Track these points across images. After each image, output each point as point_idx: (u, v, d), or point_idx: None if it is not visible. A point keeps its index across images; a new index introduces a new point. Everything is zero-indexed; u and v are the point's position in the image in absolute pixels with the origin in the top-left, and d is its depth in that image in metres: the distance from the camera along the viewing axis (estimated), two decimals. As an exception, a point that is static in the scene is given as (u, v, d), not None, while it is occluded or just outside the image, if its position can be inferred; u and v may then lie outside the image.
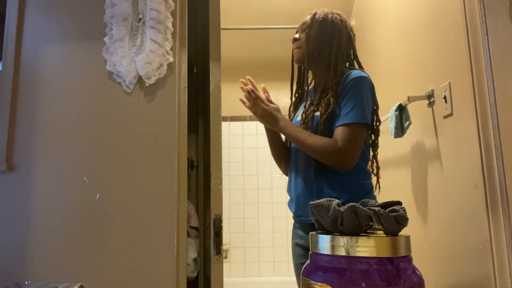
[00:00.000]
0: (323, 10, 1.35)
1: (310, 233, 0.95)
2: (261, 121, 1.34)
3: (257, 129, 3.11)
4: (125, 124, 1.16)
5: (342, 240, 0.85)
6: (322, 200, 0.95)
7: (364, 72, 1.29)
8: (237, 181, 3.03)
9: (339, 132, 1.20)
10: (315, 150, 1.21)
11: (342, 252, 0.84)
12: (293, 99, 1.48)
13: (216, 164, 1.29)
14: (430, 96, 1.47)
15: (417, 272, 0.86)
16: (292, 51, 1.40)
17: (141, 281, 1.08)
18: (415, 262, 0.93)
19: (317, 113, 1.27)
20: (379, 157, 1.38)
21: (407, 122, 1.58)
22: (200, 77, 2.06)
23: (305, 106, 1.33)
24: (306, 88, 1.41)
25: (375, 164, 1.34)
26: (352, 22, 2.61)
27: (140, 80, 1.17)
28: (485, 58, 1.13)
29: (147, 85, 1.17)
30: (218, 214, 1.26)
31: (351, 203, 0.89)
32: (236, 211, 3.00)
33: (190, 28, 1.32)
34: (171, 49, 1.18)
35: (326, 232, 0.93)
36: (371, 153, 1.35)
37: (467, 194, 1.21)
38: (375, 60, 2.18)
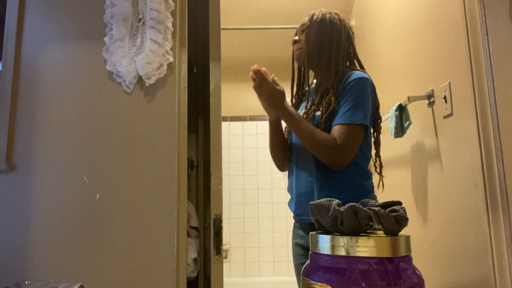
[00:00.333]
0: (321, 11, 1.35)
1: (310, 233, 0.95)
2: (265, 103, 1.27)
3: (257, 129, 3.11)
4: (125, 124, 1.16)
5: (342, 240, 0.85)
6: (322, 200, 0.95)
7: (366, 73, 1.29)
8: (237, 181, 3.03)
9: (336, 130, 1.20)
10: (316, 142, 1.20)
11: (342, 252, 0.84)
12: (293, 100, 1.48)
13: (216, 164, 1.29)
14: (430, 96, 1.47)
15: (417, 272, 0.86)
16: (293, 53, 1.40)
17: (141, 281, 1.08)
18: (415, 262, 0.93)
19: (318, 113, 1.27)
20: (379, 157, 1.38)
21: (407, 122, 1.58)
22: (200, 77, 2.06)
23: (306, 107, 1.33)
24: (307, 89, 1.41)
25: (378, 162, 1.34)
26: (352, 22, 2.60)
27: (140, 80, 1.17)
28: (485, 58, 1.13)
29: (147, 85, 1.17)
30: (218, 214, 1.26)
31: (351, 203, 0.89)
32: (236, 211, 3.00)
33: (190, 28, 1.32)
34: (171, 49, 1.18)
35: (326, 232, 0.93)
36: (374, 152, 1.35)
37: (467, 194, 1.21)
38: (375, 60, 2.18)
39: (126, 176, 1.13)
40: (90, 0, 1.22)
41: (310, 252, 0.94)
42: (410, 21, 1.69)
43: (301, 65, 1.40)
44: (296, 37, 1.37)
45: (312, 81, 1.47)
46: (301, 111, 1.38)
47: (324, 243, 0.88)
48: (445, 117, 1.36)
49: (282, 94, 1.25)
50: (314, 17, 1.34)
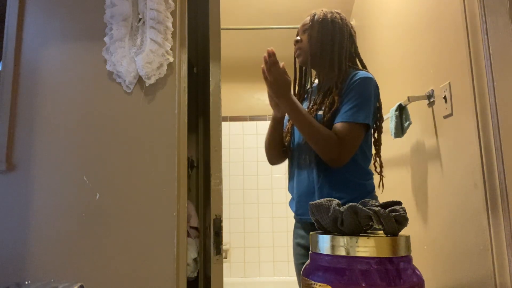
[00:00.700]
0: (322, 10, 1.35)
1: (310, 233, 0.95)
2: (271, 90, 1.24)
3: (257, 129, 3.11)
4: (125, 124, 1.15)
5: (342, 240, 0.85)
6: (322, 200, 0.95)
7: (369, 73, 1.29)
8: (237, 181, 3.03)
9: (338, 128, 1.20)
10: (316, 136, 1.19)
11: (342, 252, 0.84)
12: None
13: (216, 164, 1.29)
14: (430, 96, 1.47)
15: (417, 272, 0.86)
16: (294, 53, 1.40)
17: (141, 281, 1.08)
18: (415, 262, 0.93)
19: (320, 112, 1.27)
20: (379, 157, 1.38)
21: (407, 122, 1.58)
22: (200, 77, 2.06)
23: (308, 107, 1.33)
24: (310, 89, 1.40)
25: (378, 162, 1.34)
26: (352, 22, 2.60)
27: (140, 80, 1.17)
28: (485, 58, 1.13)
29: (147, 85, 1.17)
30: (218, 214, 1.26)
31: (351, 203, 0.89)
32: (236, 211, 3.00)
33: (190, 28, 1.32)
34: (171, 49, 1.18)
35: (326, 232, 0.93)
36: (374, 152, 1.35)
37: (467, 194, 1.21)
38: (375, 60, 2.18)
39: (126, 176, 1.13)
40: (90, 0, 1.22)
41: (310, 252, 0.94)
42: (410, 21, 1.69)
43: (303, 65, 1.40)
44: (298, 37, 1.37)
45: (313, 81, 1.46)
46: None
47: (324, 243, 0.88)
48: (445, 117, 1.36)
49: (288, 83, 1.23)
50: (316, 16, 1.34)
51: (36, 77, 1.18)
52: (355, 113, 1.20)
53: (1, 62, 1.20)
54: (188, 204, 1.90)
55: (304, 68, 1.44)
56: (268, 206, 3.00)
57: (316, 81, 1.44)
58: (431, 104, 1.47)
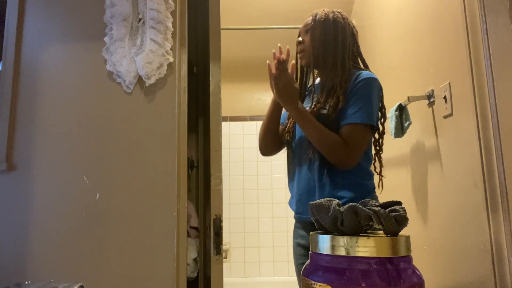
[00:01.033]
0: (324, 10, 1.35)
1: (310, 233, 0.95)
2: (278, 94, 1.25)
3: (257, 129, 3.10)
4: (125, 124, 1.15)
5: (342, 240, 0.85)
6: (322, 200, 0.95)
7: (373, 73, 1.29)
8: (237, 181, 3.03)
9: (345, 130, 1.21)
10: (324, 142, 1.20)
11: (342, 252, 0.84)
12: None
13: (216, 164, 1.29)
14: (430, 96, 1.47)
15: (417, 272, 0.86)
16: (296, 54, 1.39)
17: (141, 281, 1.08)
18: (415, 262, 0.93)
19: (324, 111, 1.27)
20: (379, 157, 1.38)
21: (407, 122, 1.58)
22: (200, 77, 2.06)
23: (310, 106, 1.33)
24: (311, 87, 1.40)
25: (378, 162, 1.34)
26: (352, 22, 2.60)
27: (140, 80, 1.17)
28: (485, 58, 1.13)
29: (147, 85, 1.17)
30: (218, 214, 1.26)
31: (351, 203, 0.89)
32: (236, 211, 2.99)
33: (190, 28, 1.32)
34: (171, 49, 1.18)
35: (326, 232, 0.93)
36: (374, 152, 1.35)
37: (467, 194, 1.21)
38: (375, 60, 2.18)
39: (126, 176, 1.13)
40: (90, 0, 1.22)
41: (310, 252, 0.94)
42: (410, 21, 1.69)
43: (306, 67, 1.39)
44: (300, 38, 1.37)
45: (315, 80, 1.46)
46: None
47: (324, 243, 0.88)
48: (445, 117, 1.36)
49: (296, 92, 1.25)
50: (318, 17, 1.34)
51: (36, 77, 1.18)
52: (361, 114, 1.20)
53: (1, 62, 1.20)
54: (188, 204, 1.90)
55: (305, 69, 1.44)
56: (268, 206, 3.00)
57: (318, 79, 1.44)
58: (431, 104, 1.47)
